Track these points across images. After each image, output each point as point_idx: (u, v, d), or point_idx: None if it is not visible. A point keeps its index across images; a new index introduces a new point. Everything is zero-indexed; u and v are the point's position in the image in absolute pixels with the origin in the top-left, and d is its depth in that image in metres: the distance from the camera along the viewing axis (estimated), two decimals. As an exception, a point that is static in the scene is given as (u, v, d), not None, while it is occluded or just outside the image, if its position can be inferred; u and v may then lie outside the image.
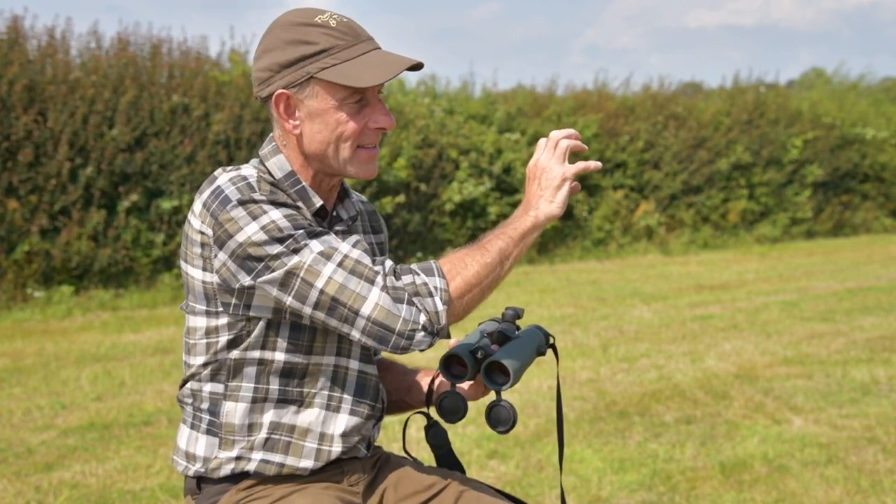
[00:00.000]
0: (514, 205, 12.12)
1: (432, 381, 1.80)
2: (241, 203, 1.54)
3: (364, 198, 1.92)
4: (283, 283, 1.52)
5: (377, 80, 1.57)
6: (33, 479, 3.79)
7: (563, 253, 12.61)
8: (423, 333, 1.51)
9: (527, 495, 3.53)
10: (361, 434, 1.72)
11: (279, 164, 1.66)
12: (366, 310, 1.49)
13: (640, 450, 4.08)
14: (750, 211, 14.71)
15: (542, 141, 1.66)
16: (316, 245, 1.52)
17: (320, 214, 1.69)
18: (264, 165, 1.68)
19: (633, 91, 15.30)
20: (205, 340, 1.64)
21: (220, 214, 1.54)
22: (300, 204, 1.63)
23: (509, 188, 12.27)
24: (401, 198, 10.89)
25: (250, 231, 1.52)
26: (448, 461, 1.89)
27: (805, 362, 5.79)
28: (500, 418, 1.67)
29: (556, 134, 1.65)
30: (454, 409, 1.70)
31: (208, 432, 1.67)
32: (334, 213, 1.74)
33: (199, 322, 1.64)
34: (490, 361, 1.63)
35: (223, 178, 1.60)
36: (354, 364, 1.69)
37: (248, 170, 1.63)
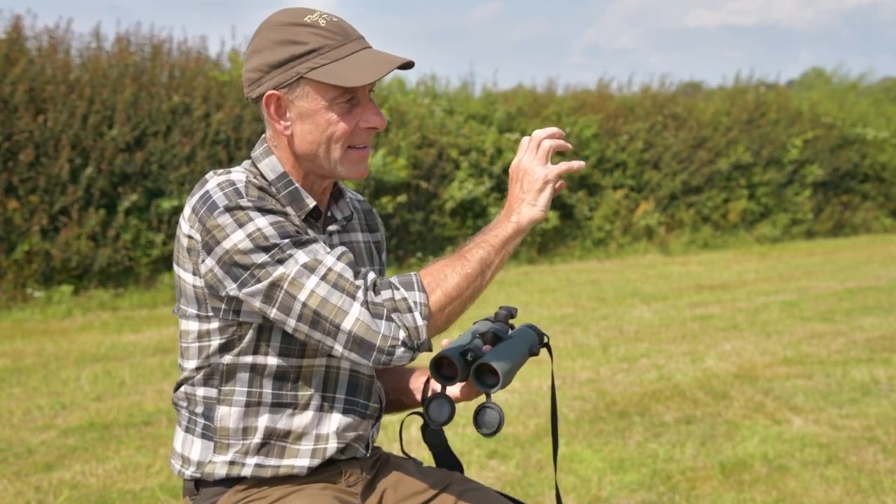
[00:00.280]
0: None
1: (427, 382, 1.80)
2: (228, 209, 1.53)
3: (361, 197, 1.91)
4: (267, 296, 1.52)
5: (367, 79, 1.56)
6: (33, 479, 3.79)
7: (563, 253, 12.62)
8: (403, 349, 1.50)
9: (527, 495, 3.54)
10: (357, 432, 1.71)
11: (271, 166, 1.66)
12: (346, 324, 1.48)
13: (640, 450, 4.08)
14: (750, 211, 14.72)
15: (525, 140, 1.63)
16: (301, 256, 1.51)
17: (313, 215, 1.68)
18: (256, 167, 1.67)
19: (633, 91, 15.32)
20: (197, 344, 1.64)
21: (207, 220, 1.54)
22: (288, 210, 1.62)
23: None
24: (402, 197, 10.89)
25: (236, 238, 1.52)
26: (446, 459, 1.89)
27: (805, 362, 5.79)
28: (487, 421, 1.64)
29: (538, 133, 1.62)
30: (440, 412, 1.69)
31: (203, 436, 1.67)
32: (329, 214, 1.74)
33: (192, 326, 1.64)
34: (479, 363, 1.61)
35: (212, 182, 1.59)
36: (346, 363, 1.69)
37: (238, 174, 1.62)
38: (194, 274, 1.59)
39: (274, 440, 1.65)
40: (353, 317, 1.48)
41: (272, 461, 1.65)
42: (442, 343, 1.71)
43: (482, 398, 1.68)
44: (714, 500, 3.50)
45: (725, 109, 15.18)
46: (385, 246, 1.92)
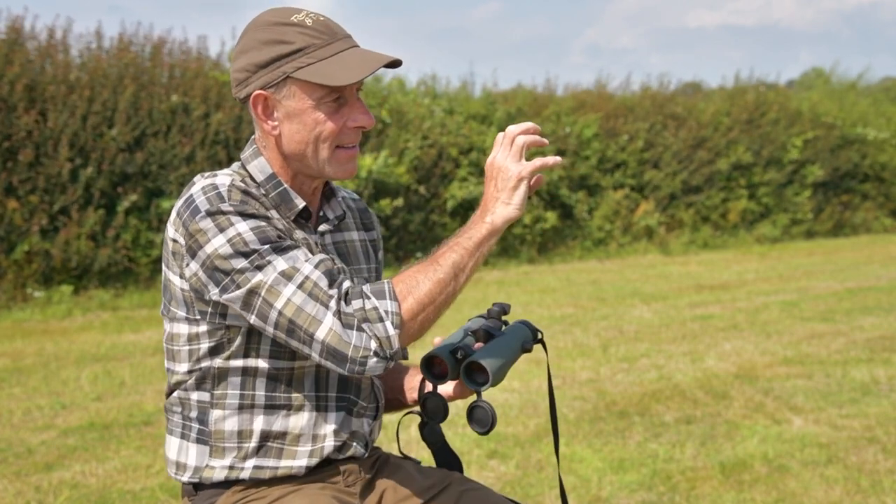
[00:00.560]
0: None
1: (423, 381, 1.80)
2: (210, 214, 1.53)
3: (356, 195, 1.91)
4: (246, 302, 1.52)
5: (353, 78, 1.55)
6: (33, 479, 3.79)
7: (563, 253, 12.62)
8: (375, 359, 1.49)
9: (527, 495, 3.53)
10: (354, 430, 1.71)
11: (260, 167, 1.66)
12: (320, 334, 1.48)
13: (640, 450, 4.08)
14: (750, 211, 14.72)
15: (499, 136, 1.59)
16: (280, 263, 1.50)
17: (303, 216, 1.68)
18: (246, 169, 1.67)
19: (633, 91, 15.32)
20: (187, 347, 1.64)
21: (190, 224, 1.55)
22: (272, 212, 1.61)
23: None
24: (399, 201, 10.90)
25: (217, 243, 1.52)
26: (445, 457, 1.88)
27: (805, 362, 5.79)
28: (479, 419, 1.64)
29: (512, 129, 1.58)
30: (435, 410, 1.68)
31: (198, 441, 1.66)
32: (321, 213, 1.74)
33: (182, 329, 1.64)
34: (469, 362, 1.59)
35: (197, 186, 1.59)
36: None
37: (223, 177, 1.61)
38: (181, 277, 1.60)
39: (270, 442, 1.65)
40: (327, 327, 1.47)
41: (270, 462, 1.65)
42: (434, 341, 1.70)
43: (475, 396, 1.68)
44: (714, 500, 3.50)
45: (725, 109, 15.18)
46: (382, 244, 1.91)
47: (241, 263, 1.51)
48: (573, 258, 12.54)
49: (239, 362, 1.62)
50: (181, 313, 1.63)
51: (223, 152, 9.76)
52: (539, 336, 1.74)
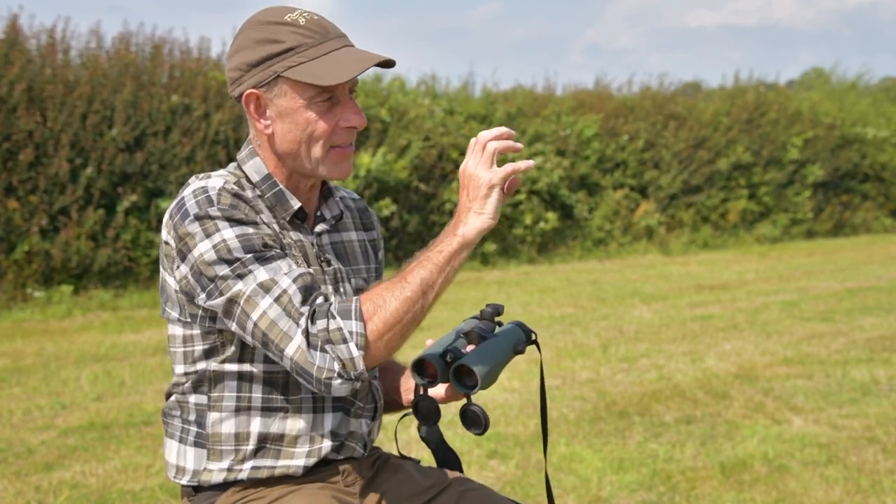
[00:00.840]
0: (514, 205, 12.14)
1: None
2: (198, 218, 1.53)
3: (356, 195, 1.90)
4: (226, 310, 1.53)
5: (342, 77, 1.54)
6: (33, 479, 3.79)
7: (563, 253, 12.61)
8: (339, 381, 1.48)
9: (526, 495, 3.53)
10: (352, 431, 1.71)
11: (255, 168, 1.66)
12: (289, 351, 1.47)
13: (640, 450, 4.08)
14: (750, 211, 14.72)
15: (472, 141, 1.54)
16: (261, 273, 1.50)
17: (299, 216, 1.68)
18: (242, 169, 1.67)
19: (633, 91, 15.32)
20: (182, 349, 1.65)
21: (179, 227, 1.55)
22: (263, 216, 1.60)
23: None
24: (398, 202, 10.90)
25: (203, 248, 1.52)
26: (444, 456, 1.88)
27: (805, 362, 5.79)
28: (472, 421, 1.61)
29: (483, 135, 1.53)
30: (427, 413, 1.66)
31: (196, 444, 1.66)
32: (318, 213, 1.73)
33: (177, 330, 1.65)
34: (457, 365, 1.57)
35: (189, 188, 1.59)
36: None
37: (216, 179, 1.61)
38: (174, 279, 1.60)
39: (268, 444, 1.65)
40: (295, 345, 1.46)
41: (268, 462, 1.65)
42: (426, 343, 1.69)
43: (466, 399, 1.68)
44: (714, 500, 3.50)
45: (725, 109, 15.18)
46: (382, 244, 1.90)
47: (223, 270, 1.51)
48: (573, 258, 12.54)
49: (234, 366, 1.62)
50: (175, 314, 1.64)
51: (223, 152, 9.76)
52: (533, 337, 1.72)
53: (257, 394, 1.63)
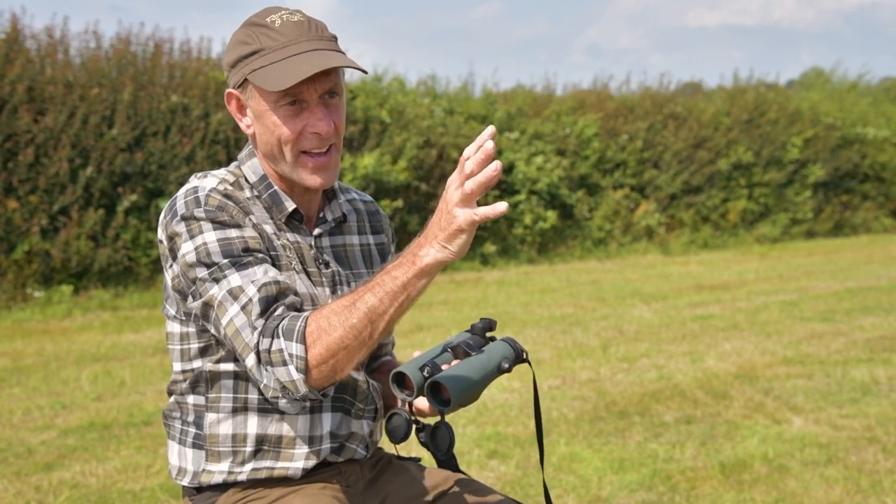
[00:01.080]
0: (514, 205, 12.14)
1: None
2: (184, 219, 1.55)
3: (368, 197, 1.88)
4: (204, 314, 1.55)
5: (287, 83, 1.50)
6: (33, 479, 3.79)
7: (563, 253, 12.61)
8: (284, 401, 1.48)
9: (526, 495, 3.53)
10: (352, 432, 1.70)
11: (253, 168, 1.66)
12: (248, 363, 1.48)
13: (640, 450, 4.08)
14: (750, 211, 14.72)
15: (462, 159, 1.38)
16: (234, 279, 1.50)
17: (296, 218, 1.67)
18: (241, 169, 1.67)
19: (633, 91, 15.32)
20: (179, 347, 1.65)
21: (168, 227, 1.57)
22: (248, 221, 1.58)
23: (509, 188, 12.28)
24: (398, 202, 10.90)
25: (186, 249, 1.54)
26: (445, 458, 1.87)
27: (805, 362, 5.79)
28: (437, 442, 1.57)
29: (468, 163, 1.36)
30: (392, 429, 1.60)
31: (194, 446, 1.67)
32: (320, 215, 1.72)
33: (175, 328, 1.65)
34: (432, 381, 1.51)
35: (184, 187, 1.61)
36: None
37: (210, 179, 1.62)
38: (170, 277, 1.62)
39: (266, 446, 1.64)
40: (251, 358, 1.47)
41: (267, 463, 1.65)
42: (413, 354, 1.66)
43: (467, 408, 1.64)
44: (714, 500, 3.50)
45: (725, 109, 15.18)
46: (392, 249, 1.87)
47: (202, 273, 1.52)
48: (573, 258, 12.54)
49: (230, 366, 1.62)
50: (172, 311, 1.65)
51: (223, 152, 9.76)
52: (524, 356, 1.65)
53: (253, 395, 1.63)
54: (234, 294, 1.49)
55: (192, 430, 1.66)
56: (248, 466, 1.64)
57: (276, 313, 1.47)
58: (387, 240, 1.87)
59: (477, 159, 1.35)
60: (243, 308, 1.48)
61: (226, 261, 1.51)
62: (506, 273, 11.12)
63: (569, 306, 8.32)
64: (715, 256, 12.88)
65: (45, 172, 8.65)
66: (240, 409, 1.64)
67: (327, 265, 1.69)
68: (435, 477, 1.79)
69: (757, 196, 14.84)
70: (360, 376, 1.71)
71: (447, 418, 1.64)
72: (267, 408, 1.64)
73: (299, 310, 1.52)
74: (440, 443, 1.56)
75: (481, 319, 1.65)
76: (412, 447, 3.69)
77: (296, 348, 1.42)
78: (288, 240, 1.64)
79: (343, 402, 1.69)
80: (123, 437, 4.36)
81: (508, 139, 12.57)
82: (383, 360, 1.89)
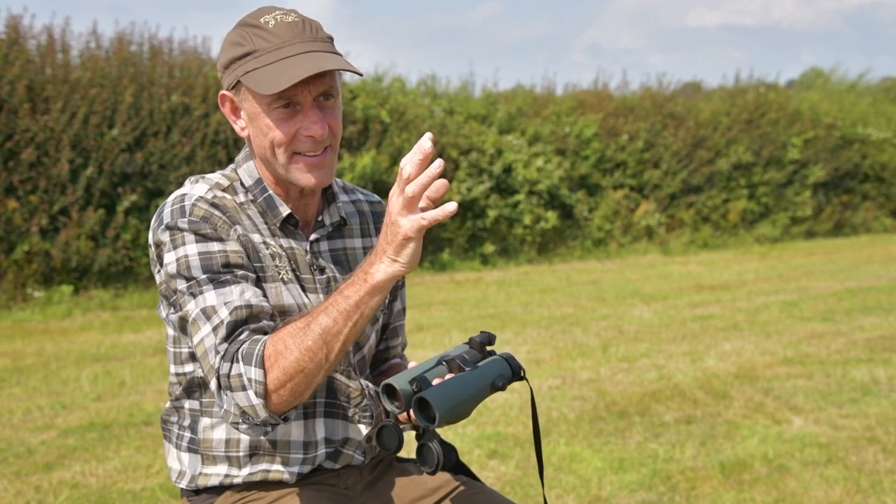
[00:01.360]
0: (514, 205, 12.14)
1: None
2: (168, 228, 1.54)
3: (375, 197, 1.84)
4: (181, 326, 1.56)
5: (278, 86, 1.47)
6: (33, 479, 3.79)
7: (563, 253, 12.61)
8: (245, 426, 1.47)
9: (526, 495, 3.53)
10: (348, 437, 1.69)
11: (249, 171, 1.64)
12: (211, 385, 1.47)
13: (640, 450, 4.08)
14: (750, 211, 14.72)
15: (401, 166, 1.34)
16: (210, 297, 1.48)
17: (291, 223, 1.64)
18: (236, 172, 1.65)
19: (633, 91, 15.33)
20: (173, 349, 1.65)
21: (155, 234, 1.57)
22: (230, 233, 1.55)
23: (509, 189, 12.28)
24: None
25: (168, 259, 1.53)
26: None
27: (805, 362, 5.79)
28: (425, 458, 1.52)
29: (406, 169, 1.31)
30: (388, 442, 1.57)
31: (189, 450, 1.67)
32: (319, 219, 1.69)
33: (169, 330, 1.65)
34: (419, 397, 1.46)
35: (173, 195, 1.59)
36: None
37: (201, 185, 1.60)
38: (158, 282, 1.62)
39: (261, 452, 1.63)
40: (213, 381, 1.46)
41: (263, 466, 1.64)
42: (409, 364, 1.64)
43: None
44: (714, 500, 3.50)
45: (725, 109, 15.18)
46: None
47: (181, 285, 1.51)
48: (573, 258, 12.54)
49: None
50: (164, 314, 1.64)
51: (223, 152, 9.76)
52: (521, 374, 1.59)
53: None
54: (206, 314, 1.48)
55: (188, 434, 1.66)
56: (245, 470, 1.64)
57: (240, 338, 1.46)
58: None
59: (414, 161, 1.31)
60: (214, 329, 1.46)
61: (204, 276, 1.50)
62: (506, 273, 11.12)
63: (569, 306, 8.31)
64: (715, 256, 12.88)
65: (46, 172, 8.65)
66: None
67: (322, 271, 1.66)
68: (436, 479, 1.78)
69: (757, 196, 14.84)
70: (354, 383, 1.69)
71: (442, 433, 1.59)
72: None
73: (267, 332, 1.49)
74: (427, 459, 1.52)
75: (480, 333, 1.61)
76: (413, 448, 3.69)
77: (255, 373, 1.40)
78: (281, 245, 1.62)
79: (337, 408, 1.68)
80: (123, 437, 4.36)
81: (509, 140, 12.58)
82: (392, 364, 1.87)
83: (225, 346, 1.45)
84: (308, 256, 1.65)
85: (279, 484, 1.65)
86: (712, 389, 5.11)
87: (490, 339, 1.60)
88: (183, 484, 1.68)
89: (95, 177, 8.91)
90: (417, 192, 1.31)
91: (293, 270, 1.62)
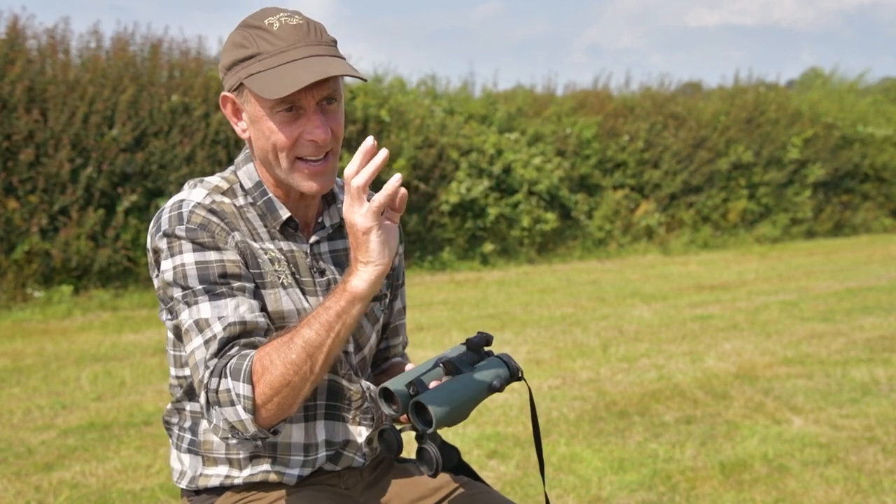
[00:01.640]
0: (514, 205, 12.13)
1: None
2: (166, 235, 1.53)
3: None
4: (176, 333, 1.57)
5: (285, 91, 1.45)
6: (33, 479, 3.79)
7: (563, 253, 12.61)
8: (235, 441, 1.47)
9: (526, 495, 3.54)
10: (348, 439, 1.68)
11: (248, 174, 1.63)
12: (200, 399, 1.47)
13: (640, 450, 4.08)
14: (750, 211, 14.72)
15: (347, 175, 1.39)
16: (204, 309, 1.48)
17: (291, 226, 1.63)
18: (236, 175, 1.64)
19: (633, 91, 15.33)
20: (173, 352, 1.64)
21: (153, 240, 1.56)
22: (227, 241, 1.54)
23: (509, 189, 12.28)
24: None
25: (165, 267, 1.53)
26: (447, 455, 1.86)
27: (805, 362, 5.79)
28: (426, 461, 1.52)
29: (347, 173, 1.37)
30: (389, 444, 1.57)
31: (189, 451, 1.67)
32: (319, 220, 1.68)
33: (170, 334, 1.65)
34: (415, 401, 1.46)
35: (171, 200, 1.58)
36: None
37: (199, 191, 1.59)
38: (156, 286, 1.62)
39: (262, 454, 1.63)
40: (203, 396, 1.46)
41: (263, 467, 1.64)
42: (406, 367, 1.63)
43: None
44: (714, 500, 3.50)
45: (725, 109, 15.18)
46: (400, 249, 1.82)
47: (177, 293, 1.51)
48: (573, 258, 12.54)
49: None
50: (163, 317, 1.64)
51: (223, 152, 9.76)
52: (519, 375, 1.59)
53: None
54: (200, 326, 1.48)
55: (188, 436, 1.66)
56: (246, 472, 1.64)
57: (230, 352, 1.46)
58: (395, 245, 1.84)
59: (356, 158, 1.36)
60: (206, 343, 1.46)
61: (200, 287, 1.49)
62: (506, 273, 11.12)
63: (569, 306, 8.32)
64: (715, 256, 12.88)
65: (46, 172, 8.65)
66: None
67: (322, 273, 1.65)
68: (437, 479, 1.77)
69: (757, 196, 14.84)
70: (355, 385, 1.68)
71: (443, 434, 1.59)
72: None
73: (258, 347, 1.49)
74: (428, 462, 1.52)
75: (478, 334, 1.60)
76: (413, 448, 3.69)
77: (243, 388, 1.40)
78: (281, 249, 1.61)
79: (338, 410, 1.67)
80: (123, 437, 4.36)
81: (508, 140, 12.58)
82: (393, 363, 1.87)
83: (215, 361, 1.45)
84: (308, 259, 1.64)
85: (279, 485, 1.65)
86: (712, 389, 5.11)
87: (487, 339, 1.59)
88: (183, 484, 1.68)
89: (95, 177, 8.91)
90: (364, 183, 1.35)
91: (293, 274, 1.61)
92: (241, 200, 1.61)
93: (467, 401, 1.49)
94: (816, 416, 4.59)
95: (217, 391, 1.43)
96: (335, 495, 1.67)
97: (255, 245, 1.58)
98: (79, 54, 9.67)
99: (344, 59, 1.55)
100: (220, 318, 1.47)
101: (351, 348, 1.67)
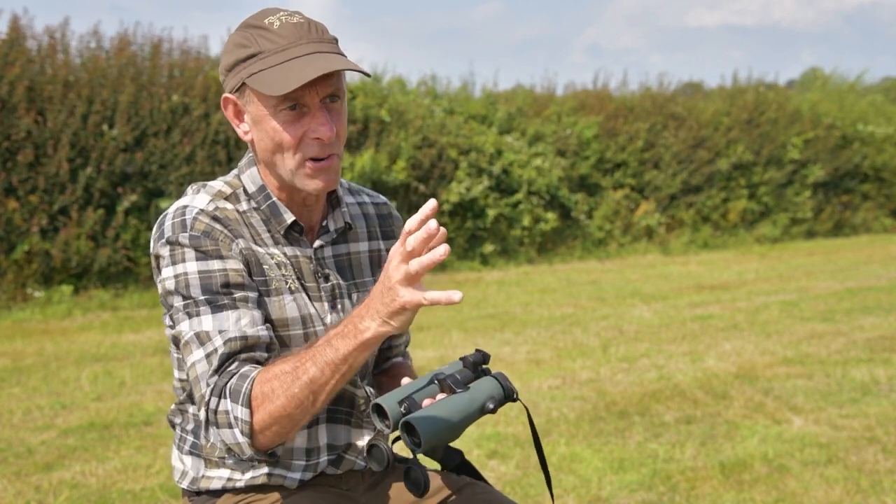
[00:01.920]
0: (514, 205, 12.13)
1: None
2: (169, 242, 1.52)
3: (382, 199, 1.81)
4: (175, 341, 1.55)
5: (287, 87, 1.44)
6: (33, 479, 3.79)
7: (563, 253, 12.61)
8: (232, 461, 1.48)
9: (526, 495, 3.54)
10: (350, 443, 1.68)
11: (252, 178, 1.61)
12: (200, 415, 1.47)
13: (640, 450, 4.08)
14: (750, 211, 14.72)
15: (405, 234, 1.30)
16: (205, 321, 1.48)
17: (296, 230, 1.62)
18: (239, 179, 1.63)
19: (633, 91, 15.33)
20: (176, 355, 1.64)
21: (155, 246, 1.55)
22: (231, 249, 1.53)
23: (508, 189, 12.28)
24: (394, 203, 10.91)
25: (166, 274, 1.52)
26: (448, 455, 1.83)
27: (805, 362, 5.79)
28: (413, 480, 1.51)
29: (410, 243, 1.28)
30: (378, 460, 1.54)
31: (191, 453, 1.66)
32: (323, 224, 1.66)
33: (171, 335, 1.64)
34: (405, 420, 1.44)
35: (174, 206, 1.57)
36: None
37: (202, 197, 1.57)
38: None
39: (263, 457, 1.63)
40: (202, 412, 1.46)
41: (265, 469, 1.64)
42: (402, 381, 1.63)
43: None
44: (714, 500, 3.50)
45: (725, 109, 15.18)
46: None
47: (178, 302, 1.50)
48: (573, 258, 12.54)
49: None
50: (166, 321, 1.63)
51: (223, 152, 9.76)
52: (514, 396, 1.56)
53: None
54: (201, 339, 1.47)
55: (191, 438, 1.66)
56: (248, 475, 1.63)
57: (230, 369, 1.45)
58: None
59: (418, 238, 1.27)
60: (207, 357, 1.46)
61: (203, 297, 1.49)
62: (506, 273, 11.12)
63: (569, 306, 8.31)
64: (715, 256, 12.88)
65: (45, 172, 8.65)
66: None
67: (326, 278, 1.64)
68: (439, 480, 1.77)
69: (757, 196, 14.84)
70: (360, 391, 1.68)
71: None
72: None
73: (260, 362, 1.48)
74: (416, 482, 1.51)
75: (475, 352, 1.58)
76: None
77: (241, 412, 1.40)
78: (286, 254, 1.60)
79: (340, 415, 1.67)
80: (123, 437, 4.36)
81: (507, 142, 12.58)
82: (394, 362, 1.86)
83: (215, 378, 1.44)
84: (312, 264, 1.63)
85: (280, 488, 1.65)
86: (712, 389, 5.11)
87: (484, 358, 1.57)
88: (185, 484, 1.68)
89: (95, 177, 8.91)
90: (421, 272, 1.28)
91: (298, 279, 1.60)
92: (244, 205, 1.60)
93: (458, 423, 1.47)
94: (816, 416, 4.59)
95: (216, 411, 1.42)
96: (336, 496, 1.67)
97: (261, 250, 1.57)
98: (79, 54, 9.67)
99: (345, 56, 1.54)
100: (220, 332, 1.47)
101: None
